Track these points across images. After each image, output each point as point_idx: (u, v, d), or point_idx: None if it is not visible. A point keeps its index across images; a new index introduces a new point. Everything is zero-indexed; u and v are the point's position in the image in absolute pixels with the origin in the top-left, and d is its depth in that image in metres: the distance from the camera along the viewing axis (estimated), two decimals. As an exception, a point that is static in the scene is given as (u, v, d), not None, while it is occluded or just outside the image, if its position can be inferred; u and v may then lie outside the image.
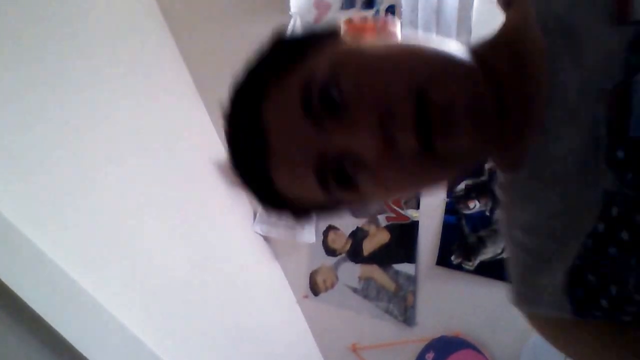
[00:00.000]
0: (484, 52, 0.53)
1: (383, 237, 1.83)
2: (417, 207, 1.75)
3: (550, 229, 0.47)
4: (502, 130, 0.50)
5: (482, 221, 1.59)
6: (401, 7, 1.54)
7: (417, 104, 0.45)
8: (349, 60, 0.49)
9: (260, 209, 2.06)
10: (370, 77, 0.48)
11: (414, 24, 1.50)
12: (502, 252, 1.56)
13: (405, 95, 0.46)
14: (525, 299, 0.50)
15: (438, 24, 1.50)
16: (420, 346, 1.80)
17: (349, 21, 0.56)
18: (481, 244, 1.60)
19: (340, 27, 0.56)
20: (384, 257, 1.84)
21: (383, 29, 0.55)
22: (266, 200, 0.58)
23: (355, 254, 1.91)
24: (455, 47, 0.50)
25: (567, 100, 0.45)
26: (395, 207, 1.78)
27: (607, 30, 0.44)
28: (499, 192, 0.57)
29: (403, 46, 0.52)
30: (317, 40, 0.54)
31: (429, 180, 0.52)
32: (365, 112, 0.47)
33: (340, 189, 0.51)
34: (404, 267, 1.80)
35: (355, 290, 1.93)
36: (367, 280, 1.89)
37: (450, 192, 1.66)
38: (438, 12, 1.52)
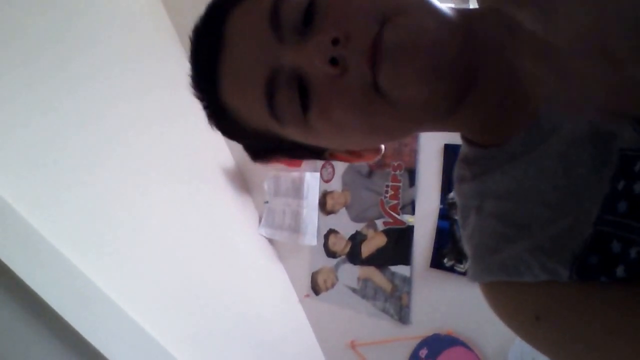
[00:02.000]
0: (471, 14, 0.49)
1: (380, 241, 1.84)
2: (413, 212, 1.75)
3: (539, 193, 0.43)
4: (481, 101, 0.47)
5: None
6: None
7: (378, 33, 0.42)
8: None
9: (264, 213, 2.10)
10: (343, 0, 0.45)
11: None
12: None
13: (367, 21, 0.42)
14: (492, 269, 0.46)
15: None
16: (414, 343, 1.78)
17: None
18: (472, 248, 1.62)
19: None
20: (381, 260, 1.84)
21: None
22: (214, 117, 0.53)
23: (354, 256, 1.92)
24: (445, 5, 0.46)
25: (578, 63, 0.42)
26: (392, 213, 1.79)
27: None
28: (461, 166, 0.52)
29: None
30: None
31: (379, 123, 0.46)
32: (324, 31, 0.43)
33: (287, 110, 0.46)
34: (400, 269, 1.80)
35: (354, 290, 1.93)
36: (365, 280, 1.90)
37: (443, 199, 1.67)
38: None
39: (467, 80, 0.45)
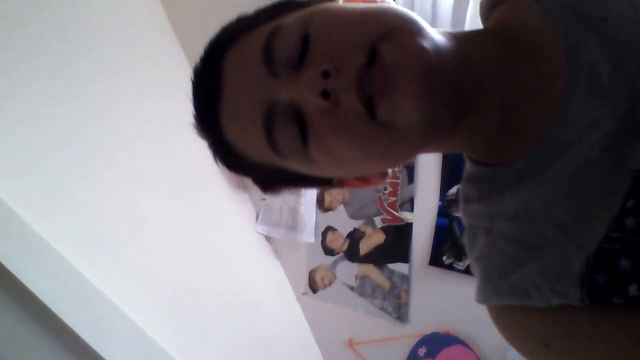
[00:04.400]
0: (465, 37, 0.48)
1: (379, 238, 1.84)
2: (412, 209, 1.75)
3: (550, 215, 0.42)
4: (479, 122, 0.47)
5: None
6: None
7: (368, 62, 0.42)
8: (318, 15, 0.46)
9: (263, 209, 2.10)
10: (331, 29, 0.45)
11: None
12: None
13: (357, 51, 0.42)
14: (501, 292, 0.45)
15: (433, 25, 1.51)
16: (413, 341, 1.80)
17: None
18: (471, 245, 1.63)
19: None
20: (380, 257, 1.84)
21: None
22: (219, 153, 0.54)
23: (352, 254, 1.92)
24: (436, 31, 0.45)
25: (599, 78, 0.41)
26: (391, 210, 1.79)
27: (633, 7, 0.41)
28: (467, 185, 0.52)
29: (377, 5, 0.48)
30: (306, 2, 0.51)
31: (377, 151, 0.45)
32: (315, 64, 0.43)
33: (287, 143, 0.46)
34: (399, 267, 1.80)
35: (351, 288, 1.93)
36: (363, 278, 1.90)
37: (442, 196, 1.68)
38: (433, 14, 1.52)
39: (464, 102, 0.45)
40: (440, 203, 1.70)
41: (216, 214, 1.89)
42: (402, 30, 0.43)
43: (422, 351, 1.78)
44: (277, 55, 0.45)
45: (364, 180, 0.56)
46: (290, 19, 0.47)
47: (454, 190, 1.66)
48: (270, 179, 0.56)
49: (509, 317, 0.46)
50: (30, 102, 1.27)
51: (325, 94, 0.42)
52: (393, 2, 0.51)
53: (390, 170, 0.57)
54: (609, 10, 0.43)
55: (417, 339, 1.80)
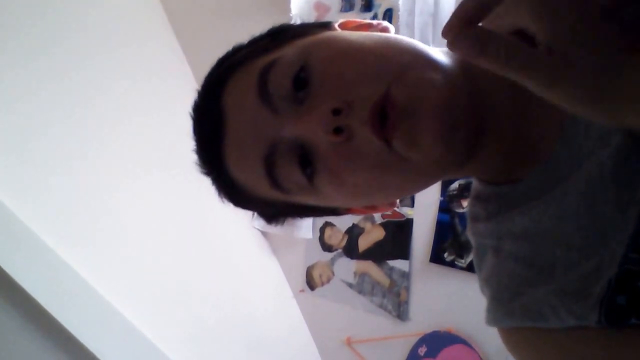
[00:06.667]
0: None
1: (378, 234, 1.84)
2: (412, 205, 1.75)
3: (560, 234, 0.42)
4: (493, 147, 0.47)
5: (474, 220, 1.60)
6: (398, 10, 1.56)
7: (382, 96, 0.42)
8: (321, 48, 0.46)
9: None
10: (337, 64, 0.44)
11: (410, 27, 1.52)
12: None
13: (370, 88, 0.42)
14: (513, 313, 0.45)
15: (434, 27, 1.52)
16: (413, 340, 1.79)
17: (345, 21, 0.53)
18: (473, 242, 1.62)
19: (334, 24, 0.52)
20: (379, 254, 1.85)
21: (376, 29, 0.51)
22: (223, 190, 0.54)
23: (351, 250, 1.92)
24: (439, 53, 0.46)
25: None
26: None
27: None
28: (475, 204, 0.52)
29: (382, 38, 0.47)
30: (302, 31, 0.50)
31: (394, 181, 0.46)
32: (323, 99, 0.43)
33: (289, 180, 0.47)
34: (399, 264, 1.80)
35: (350, 285, 1.93)
36: (362, 275, 1.90)
37: (444, 191, 1.67)
38: (435, 15, 1.53)
39: (478, 130, 0.45)
40: (442, 198, 1.69)
41: (212, 209, 1.85)
42: (414, 69, 0.43)
43: (422, 350, 1.78)
44: (274, 90, 0.45)
45: (372, 208, 0.57)
46: (287, 51, 0.47)
47: (455, 185, 1.65)
48: (276, 212, 0.57)
49: (522, 339, 0.45)
50: (35, 109, 1.30)
51: (337, 130, 0.42)
52: (392, 26, 0.51)
53: (398, 200, 0.57)
54: None
55: (418, 337, 1.80)
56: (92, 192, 1.40)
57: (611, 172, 0.39)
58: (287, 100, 0.45)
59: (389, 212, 1.81)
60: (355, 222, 1.90)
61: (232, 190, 0.53)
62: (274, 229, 2.02)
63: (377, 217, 1.84)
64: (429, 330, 1.77)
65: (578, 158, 0.42)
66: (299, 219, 0.59)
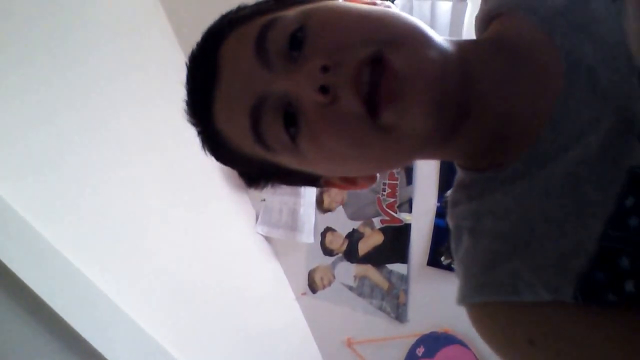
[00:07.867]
0: (464, 45, 0.48)
1: (377, 239, 1.85)
2: (410, 210, 1.76)
3: (542, 211, 0.42)
4: (475, 129, 0.46)
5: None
6: (395, 13, 1.57)
7: (371, 62, 0.41)
8: (320, 10, 0.46)
9: (261, 211, 2.11)
10: (333, 26, 0.44)
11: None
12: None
13: (359, 48, 0.42)
14: (483, 288, 0.44)
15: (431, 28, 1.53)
16: (411, 341, 1.80)
17: None
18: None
19: None
20: (378, 258, 1.85)
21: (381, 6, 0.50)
22: (208, 143, 0.54)
23: (351, 254, 1.92)
24: (439, 36, 0.45)
25: (598, 81, 0.41)
26: (389, 211, 1.80)
27: (614, 8, 0.41)
28: (457, 191, 0.51)
29: (383, 9, 0.47)
30: None
31: (371, 153, 0.45)
32: (313, 58, 0.43)
33: (273, 136, 0.46)
34: (397, 267, 1.81)
35: (350, 288, 1.93)
36: (362, 278, 1.90)
37: (440, 197, 1.68)
38: (431, 19, 1.53)
39: (463, 114, 0.45)
40: (439, 204, 1.70)
41: (216, 214, 1.90)
42: (411, 40, 0.43)
43: (420, 351, 1.79)
44: (271, 47, 0.45)
45: (351, 182, 0.55)
46: (289, 12, 0.47)
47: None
48: (257, 173, 0.56)
49: (491, 314, 0.44)
50: (34, 106, 1.27)
51: (323, 89, 0.41)
52: (395, 6, 0.51)
53: (378, 175, 0.56)
54: (594, 14, 0.43)
55: (416, 338, 1.80)
56: (97, 192, 1.39)
57: (596, 154, 0.40)
58: (282, 57, 0.45)
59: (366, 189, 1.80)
60: (355, 228, 1.90)
61: (216, 143, 0.52)
62: (277, 234, 2.03)
63: (377, 222, 1.84)
64: (426, 331, 1.77)
65: (565, 143, 0.42)
66: (278, 185, 0.57)
